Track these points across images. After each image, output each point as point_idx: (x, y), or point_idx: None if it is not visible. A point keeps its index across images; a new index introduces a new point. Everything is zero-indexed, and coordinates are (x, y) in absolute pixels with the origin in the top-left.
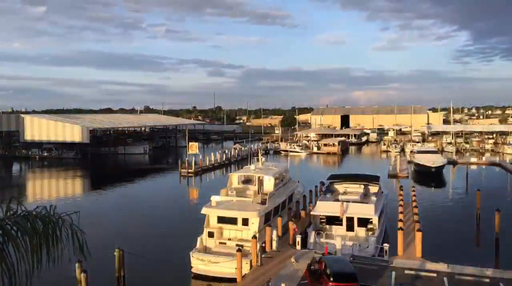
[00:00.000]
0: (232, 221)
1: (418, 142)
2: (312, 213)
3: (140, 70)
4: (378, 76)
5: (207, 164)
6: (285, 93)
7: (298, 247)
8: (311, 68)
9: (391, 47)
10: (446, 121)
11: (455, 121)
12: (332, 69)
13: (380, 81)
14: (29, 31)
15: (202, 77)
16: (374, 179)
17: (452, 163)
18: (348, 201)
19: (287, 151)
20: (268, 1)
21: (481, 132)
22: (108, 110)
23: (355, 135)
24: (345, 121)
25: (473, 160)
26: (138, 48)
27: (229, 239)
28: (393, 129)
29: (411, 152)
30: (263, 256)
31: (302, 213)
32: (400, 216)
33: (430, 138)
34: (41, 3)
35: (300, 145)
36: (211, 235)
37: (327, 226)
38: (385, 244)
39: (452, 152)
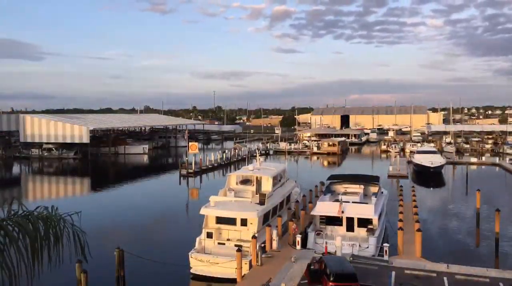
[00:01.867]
0: (231, 221)
1: (418, 142)
2: (312, 213)
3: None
4: None
5: (207, 164)
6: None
7: (298, 247)
8: None
9: None
10: (446, 121)
11: (455, 121)
12: None
13: None
14: None
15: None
16: (374, 179)
17: (452, 163)
18: (348, 201)
19: (287, 151)
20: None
21: (481, 132)
22: (108, 110)
23: (355, 135)
24: (345, 121)
25: (473, 160)
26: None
27: (228, 240)
28: (393, 130)
29: (410, 152)
30: (262, 256)
31: (302, 213)
32: (400, 216)
33: (430, 138)
34: None
35: (300, 145)
36: (209, 235)
37: (327, 226)
38: (385, 244)
39: (452, 152)
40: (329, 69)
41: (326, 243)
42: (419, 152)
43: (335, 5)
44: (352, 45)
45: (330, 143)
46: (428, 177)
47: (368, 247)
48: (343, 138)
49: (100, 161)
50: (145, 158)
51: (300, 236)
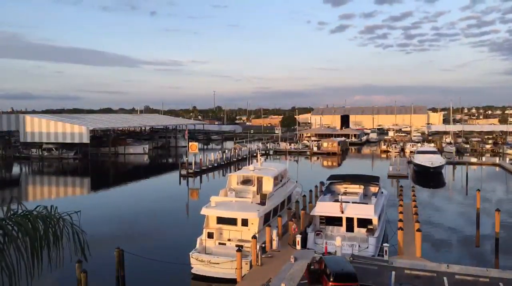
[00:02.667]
0: (232, 221)
1: (418, 142)
2: (311, 213)
3: None
4: None
5: (207, 164)
6: None
7: (298, 247)
8: None
9: None
10: (446, 121)
11: (455, 121)
12: None
13: None
14: None
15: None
16: (374, 179)
17: (452, 163)
18: (347, 202)
19: (287, 151)
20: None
21: (481, 132)
22: (108, 110)
23: (355, 135)
24: (345, 121)
25: (473, 160)
26: None
27: (229, 240)
28: (393, 130)
29: (410, 152)
30: (263, 256)
31: (302, 213)
32: (400, 216)
33: (430, 138)
34: None
35: (300, 145)
36: (210, 235)
37: (327, 226)
38: (385, 244)
39: (452, 152)
40: (346, 73)
41: (326, 243)
42: (419, 152)
43: (393, 21)
44: (385, 52)
45: (330, 143)
46: (428, 177)
47: (368, 247)
48: (343, 138)
49: (100, 161)
50: (145, 158)
51: (300, 236)
